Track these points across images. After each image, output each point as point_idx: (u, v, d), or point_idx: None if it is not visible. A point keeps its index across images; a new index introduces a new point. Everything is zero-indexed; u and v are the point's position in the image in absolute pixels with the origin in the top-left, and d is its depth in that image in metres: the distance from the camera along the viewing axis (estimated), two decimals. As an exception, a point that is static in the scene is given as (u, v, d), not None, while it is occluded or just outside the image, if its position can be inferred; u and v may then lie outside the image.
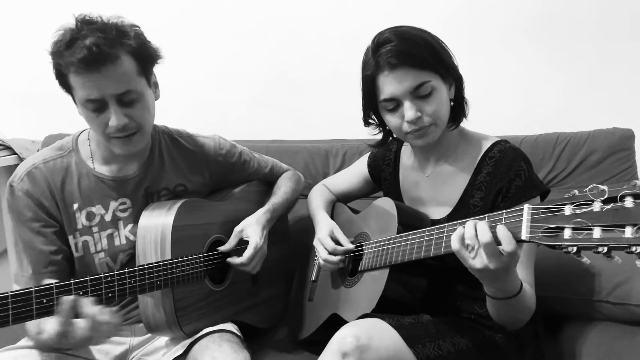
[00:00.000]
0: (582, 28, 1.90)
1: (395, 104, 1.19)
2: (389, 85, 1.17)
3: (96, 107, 1.18)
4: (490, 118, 1.63)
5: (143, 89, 1.23)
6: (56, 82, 1.22)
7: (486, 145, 1.25)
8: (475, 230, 0.95)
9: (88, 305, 1.04)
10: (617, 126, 1.71)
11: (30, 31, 2.24)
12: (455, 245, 0.98)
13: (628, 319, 1.41)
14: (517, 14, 1.94)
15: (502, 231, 0.92)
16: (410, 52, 1.15)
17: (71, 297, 1.03)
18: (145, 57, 1.23)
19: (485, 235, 0.93)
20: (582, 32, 1.90)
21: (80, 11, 1.18)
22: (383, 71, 1.17)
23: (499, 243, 0.93)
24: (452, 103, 1.23)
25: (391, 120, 1.21)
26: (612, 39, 1.88)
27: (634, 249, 0.73)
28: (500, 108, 1.92)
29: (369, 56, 1.20)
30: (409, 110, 1.16)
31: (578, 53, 1.92)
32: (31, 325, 1.11)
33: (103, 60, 1.13)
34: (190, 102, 2.22)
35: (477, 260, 0.95)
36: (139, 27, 1.23)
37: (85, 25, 1.15)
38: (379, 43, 1.18)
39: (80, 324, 1.03)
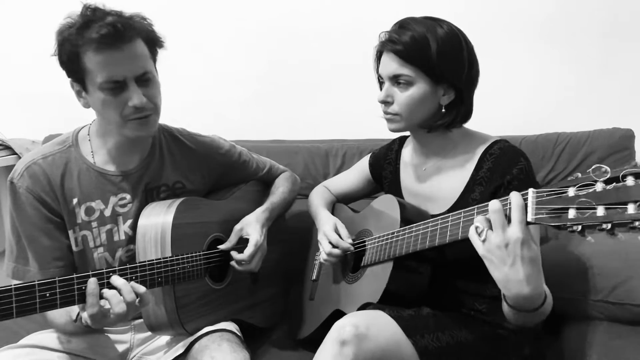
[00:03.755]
0: (582, 28, 1.91)
1: (383, 81, 1.27)
2: (382, 63, 1.26)
3: (115, 88, 1.19)
4: (491, 118, 1.63)
5: (154, 72, 1.27)
6: (57, 80, 1.23)
7: (486, 143, 1.27)
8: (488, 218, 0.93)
9: (117, 280, 1.11)
10: (617, 126, 1.71)
11: (31, 31, 2.25)
12: (472, 234, 0.95)
13: (628, 318, 1.41)
14: (517, 15, 1.95)
15: (514, 196, 0.90)
16: (398, 41, 1.20)
17: (94, 279, 1.08)
18: (154, 42, 1.27)
19: (494, 204, 0.91)
20: (582, 32, 1.91)
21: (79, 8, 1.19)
22: (383, 49, 1.25)
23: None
24: (443, 109, 1.24)
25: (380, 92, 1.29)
26: (612, 39, 1.89)
27: (637, 224, 0.75)
28: (501, 108, 1.92)
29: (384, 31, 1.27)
30: (382, 91, 1.26)
31: (578, 53, 1.92)
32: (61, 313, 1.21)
33: (123, 38, 1.16)
34: (189, 102, 2.22)
35: (487, 242, 0.92)
36: (145, 15, 1.26)
37: (95, 11, 1.18)
38: (396, 22, 1.25)
39: (113, 299, 1.09)
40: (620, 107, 1.91)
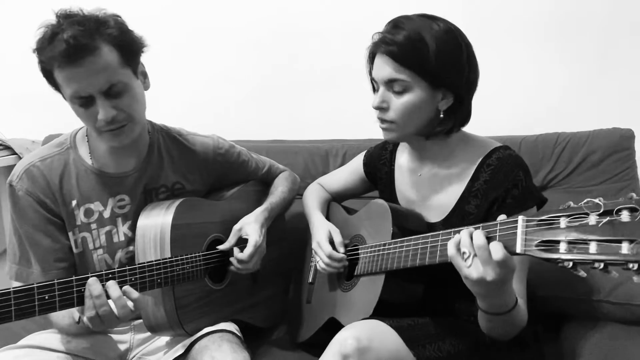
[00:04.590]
0: (581, 28, 1.90)
1: (378, 85, 1.21)
2: (376, 66, 1.19)
3: (83, 103, 1.17)
4: (491, 118, 1.63)
5: (129, 79, 1.20)
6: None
7: (485, 151, 1.22)
8: (471, 238, 0.94)
9: (112, 287, 1.10)
10: (617, 126, 1.71)
11: (30, 31, 2.24)
12: (451, 250, 0.96)
13: (628, 319, 1.41)
14: (517, 14, 1.94)
15: (495, 244, 0.91)
16: (392, 42, 1.14)
17: (94, 279, 1.09)
18: (128, 45, 1.19)
19: (479, 239, 0.92)
20: (582, 32, 1.90)
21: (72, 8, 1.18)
22: (376, 51, 1.19)
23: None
24: (441, 115, 1.19)
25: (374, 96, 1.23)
26: (612, 39, 1.88)
27: (630, 265, 0.71)
28: (501, 108, 1.92)
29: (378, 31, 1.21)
30: (377, 97, 1.20)
31: (578, 53, 1.92)
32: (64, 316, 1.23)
33: (82, 52, 1.10)
34: (189, 102, 2.22)
35: (473, 269, 0.93)
36: (120, 17, 1.21)
37: (65, 19, 1.13)
38: (389, 21, 1.19)
39: (105, 307, 1.09)
40: (620, 107, 1.90)
